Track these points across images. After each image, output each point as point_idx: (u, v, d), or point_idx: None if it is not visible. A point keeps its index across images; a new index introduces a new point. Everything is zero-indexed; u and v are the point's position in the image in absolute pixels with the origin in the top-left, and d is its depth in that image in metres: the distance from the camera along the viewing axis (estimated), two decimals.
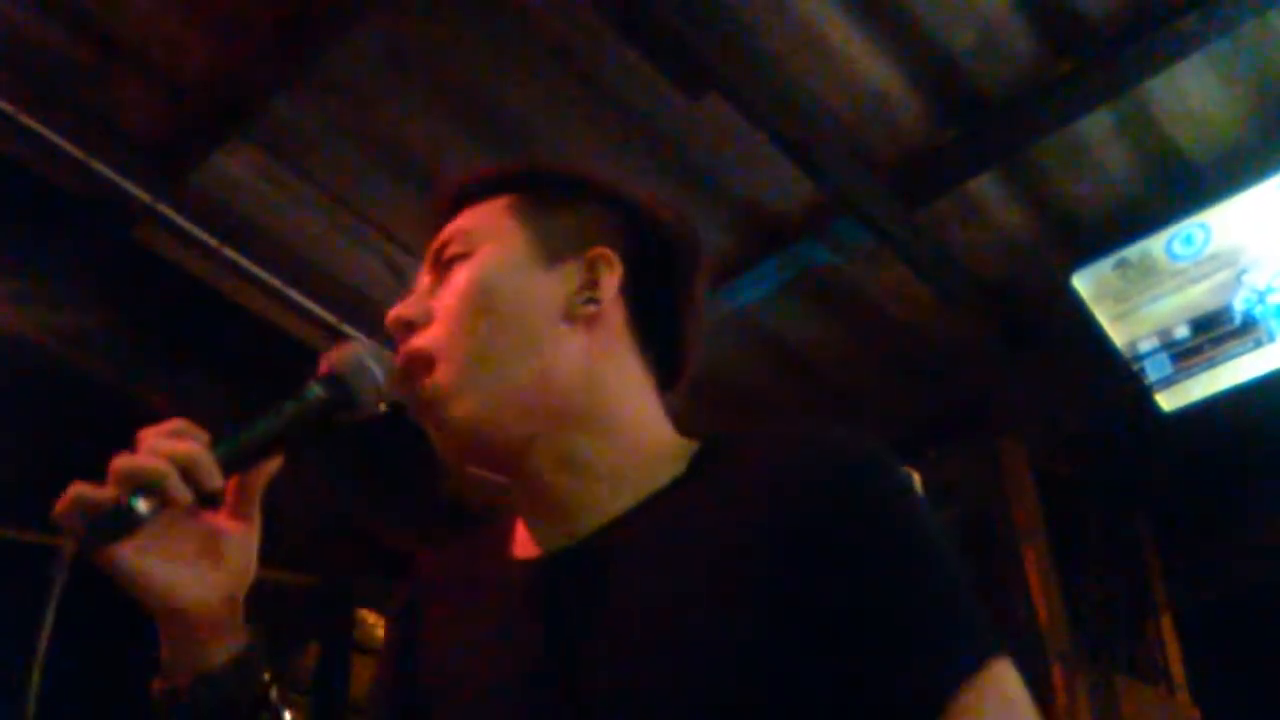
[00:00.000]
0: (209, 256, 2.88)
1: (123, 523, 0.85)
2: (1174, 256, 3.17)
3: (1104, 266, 3.22)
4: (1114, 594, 3.93)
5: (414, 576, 1.14)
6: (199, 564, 0.91)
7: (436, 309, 1.02)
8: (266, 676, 0.93)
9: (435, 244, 1.08)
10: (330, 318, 3.05)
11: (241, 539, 0.94)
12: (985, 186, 3.13)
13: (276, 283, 2.98)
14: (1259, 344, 3.17)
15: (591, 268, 1.04)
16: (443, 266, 1.06)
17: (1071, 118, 2.92)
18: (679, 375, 1.09)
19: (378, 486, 3.58)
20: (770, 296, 3.33)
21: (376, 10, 2.54)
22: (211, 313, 3.01)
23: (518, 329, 1.00)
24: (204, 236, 2.86)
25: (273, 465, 0.94)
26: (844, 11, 2.67)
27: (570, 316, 1.02)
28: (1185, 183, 3.14)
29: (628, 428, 1.02)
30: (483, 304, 1.00)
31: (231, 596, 0.93)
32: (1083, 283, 3.24)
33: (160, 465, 0.85)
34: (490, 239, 1.04)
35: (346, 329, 3.06)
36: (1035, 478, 3.70)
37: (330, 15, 2.55)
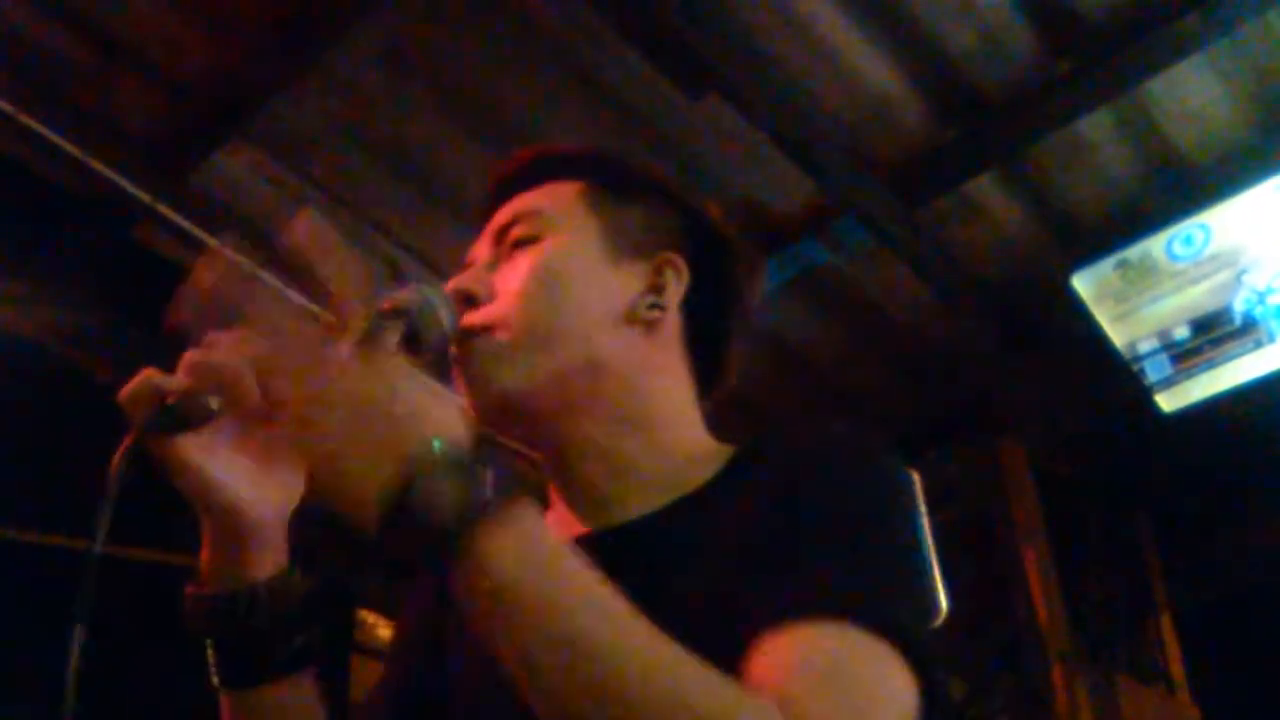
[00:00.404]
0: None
1: (193, 414, 0.83)
2: (1174, 257, 3.17)
3: (1104, 267, 3.22)
4: (1114, 594, 3.93)
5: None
6: (256, 471, 0.89)
7: (499, 288, 1.01)
8: (307, 608, 0.91)
9: (501, 219, 1.06)
10: (330, 318, 3.05)
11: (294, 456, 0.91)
12: (985, 186, 3.13)
13: (276, 283, 2.98)
14: (1259, 345, 3.17)
15: (659, 272, 1.05)
16: (509, 245, 1.04)
17: (1071, 118, 2.92)
18: (720, 385, 1.09)
19: None
20: (770, 296, 3.33)
21: (376, 10, 2.54)
22: None
23: (578, 319, 1.00)
24: (204, 236, 2.86)
25: None
26: (844, 12, 2.67)
27: (632, 319, 1.02)
28: (1185, 183, 3.14)
29: (669, 432, 1.02)
30: (548, 292, 1.00)
31: (281, 512, 0.92)
32: (1083, 283, 3.24)
33: (236, 364, 0.83)
34: (562, 227, 1.03)
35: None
36: (1035, 478, 3.71)
37: (330, 15, 2.55)
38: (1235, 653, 3.99)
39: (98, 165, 2.68)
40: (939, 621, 0.97)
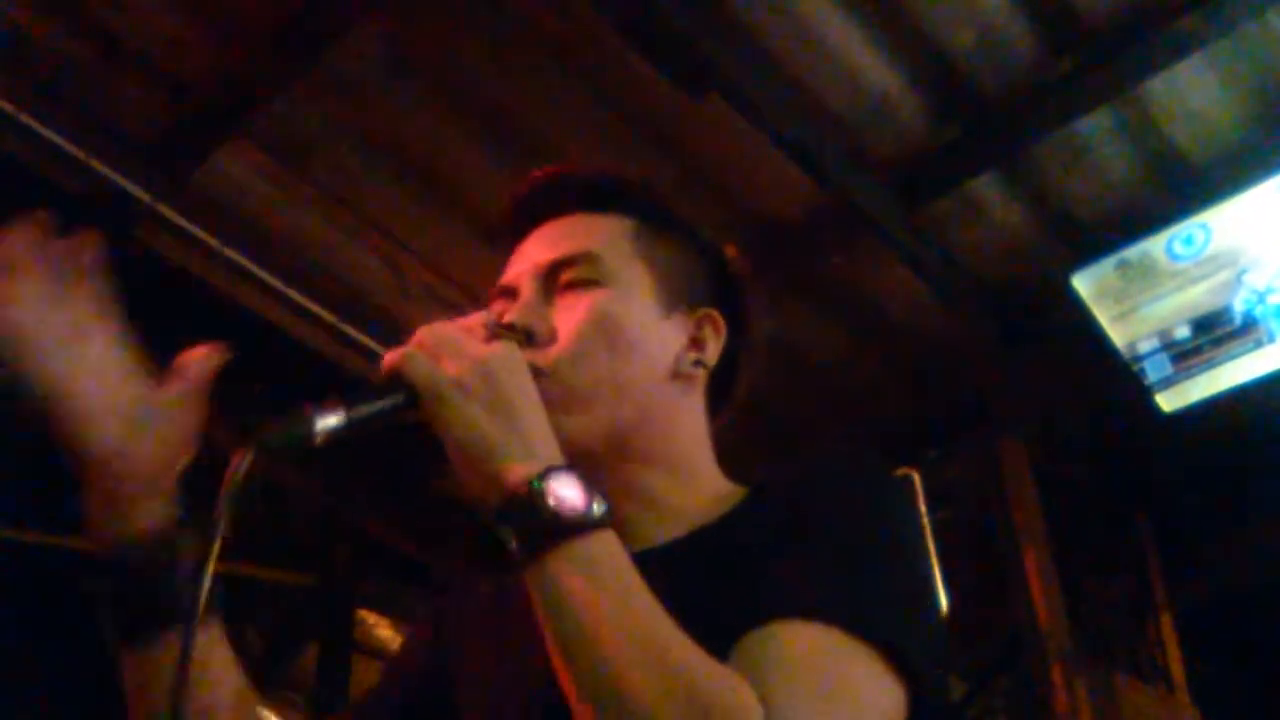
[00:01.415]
0: (209, 256, 2.88)
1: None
2: (1174, 257, 3.17)
3: (1104, 266, 3.22)
4: (1114, 594, 3.93)
5: (451, 591, 1.19)
6: (136, 422, 0.90)
7: (559, 329, 1.03)
8: (200, 568, 0.85)
9: (552, 255, 1.07)
10: (330, 317, 3.05)
11: (180, 414, 0.93)
12: (985, 186, 3.13)
13: (277, 283, 2.98)
14: (1259, 344, 3.17)
15: (699, 327, 1.09)
16: (560, 285, 1.06)
17: (1071, 118, 2.92)
18: (720, 420, 1.14)
19: (378, 486, 3.58)
20: (770, 297, 3.33)
21: (376, 10, 2.54)
22: (211, 313, 3.01)
23: (632, 376, 1.04)
24: (204, 236, 2.86)
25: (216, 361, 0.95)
26: (844, 12, 2.67)
27: (676, 374, 1.07)
28: (1185, 183, 3.14)
29: (696, 473, 1.08)
30: (611, 344, 1.03)
31: (165, 464, 0.92)
32: (1083, 283, 3.24)
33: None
34: (620, 278, 1.06)
35: (346, 329, 3.06)
36: (1035, 478, 3.70)
37: (330, 15, 2.55)
38: (1235, 653, 4.00)
39: (98, 165, 2.68)
40: (938, 624, 0.98)
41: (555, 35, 2.66)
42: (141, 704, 0.94)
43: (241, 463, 0.81)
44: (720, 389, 1.13)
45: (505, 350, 0.90)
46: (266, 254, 2.98)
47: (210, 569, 0.80)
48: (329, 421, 0.84)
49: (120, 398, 0.91)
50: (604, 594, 0.81)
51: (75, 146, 2.66)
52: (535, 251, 1.08)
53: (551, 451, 0.88)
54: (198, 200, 2.85)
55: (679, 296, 1.08)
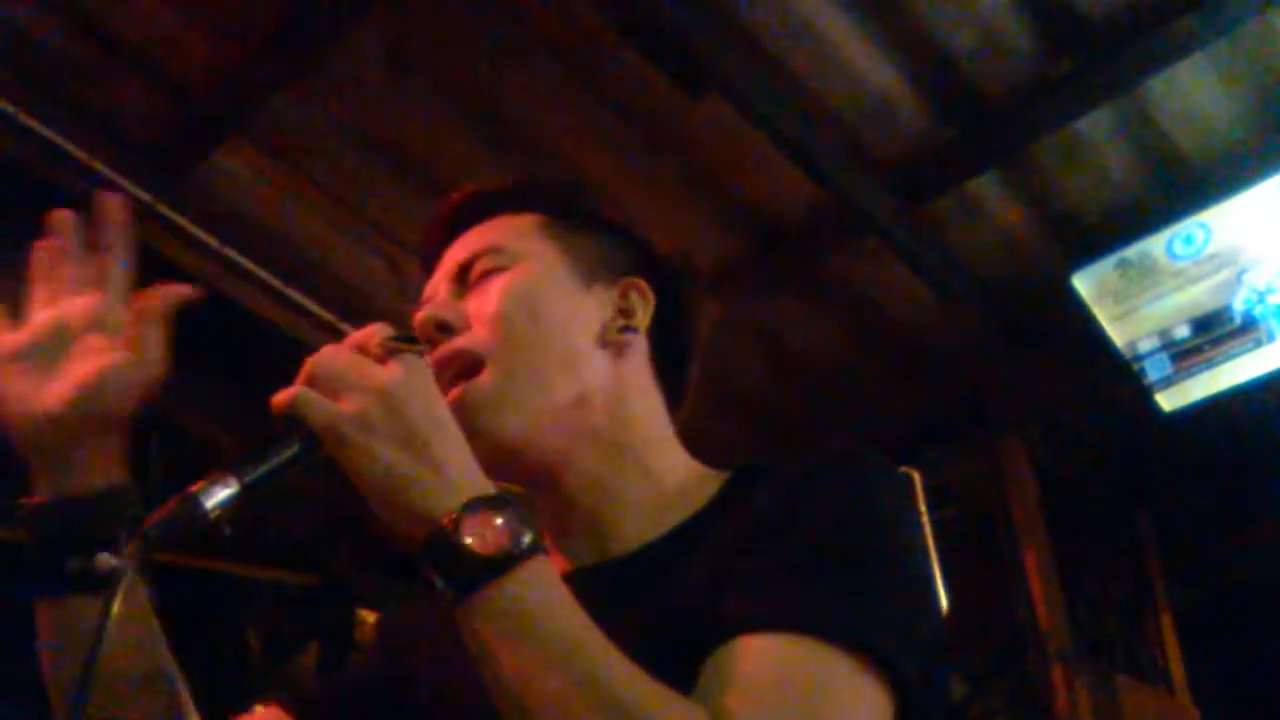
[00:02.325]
0: (209, 256, 2.88)
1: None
2: (1174, 256, 3.17)
3: (1104, 266, 3.22)
4: (1114, 594, 3.93)
5: (405, 602, 1.17)
6: (74, 382, 0.88)
7: (474, 315, 1.02)
8: (138, 531, 0.80)
9: (458, 256, 1.07)
10: (330, 317, 3.06)
11: (126, 370, 0.90)
12: (985, 186, 3.13)
13: (276, 283, 2.98)
14: (1259, 344, 3.16)
15: (624, 295, 1.07)
16: (474, 279, 1.05)
17: (1071, 118, 2.92)
18: (679, 407, 1.11)
19: None
20: (770, 297, 3.33)
21: (376, 10, 2.54)
22: (211, 313, 3.01)
23: (562, 343, 1.02)
24: (204, 236, 2.86)
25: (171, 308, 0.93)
26: (844, 11, 2.67)
27: (604, 341, 1.04)
28: (1185, 183, 3.14)
29: (655, 456, 1.05)
30: (530, 312, 1.01)
31: (101, 421, 0.90)
32: (1083, 283, 3.24)
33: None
34: (527, 255, 1.05)
35: (345, 328, 3.05)
36: (1035, 477, 3.70)
37: (330, 15, 2.55)
38: (1235, 652, 3.99)
39: (98, 165, 2.68)
40: (933, 624, 0.94)
41: (555, 35, 2.66)
42: (53, 660, 0.92)
43: (132, 556, 0.77)
44: (672, 376, 1.10)
45: (406, 371, 0.84)
46: (266, 254, 2.98)
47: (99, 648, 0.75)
48: (219, 496, 0.79)
49: (74, 367, 0.89)
50: (528, 640, 0.78)
51: (75, 146, 2.66)
52: (448, 258, 1.09)
53: (471, 479, 0.83)
54: (198, 200, 2.86)
55: (598, 269, 1.06)
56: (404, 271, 3.10)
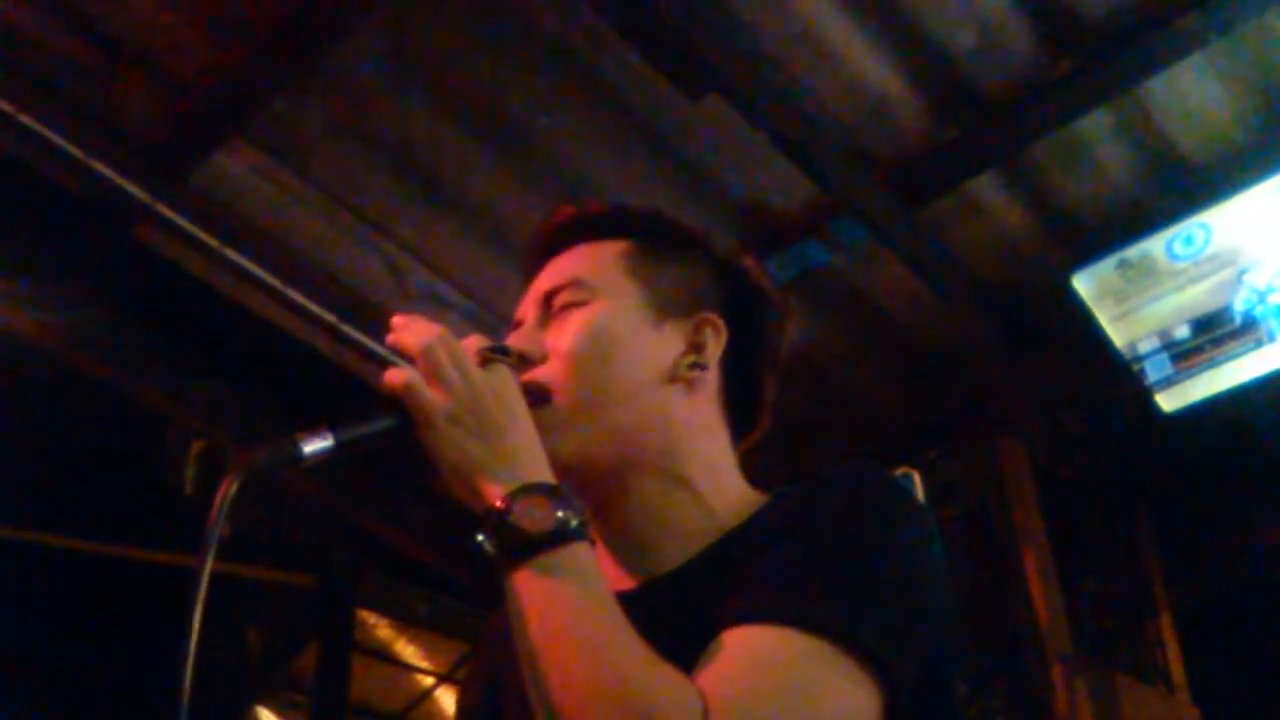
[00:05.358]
0: (209, 256, 2.88)
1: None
2: (1174, 256, 3.17)
3: (1104, 266, 3.22)
4: (1114, 594, 3.93)
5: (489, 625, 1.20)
6: None
7: (551, 349, 1.08)
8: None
9: (545, 284, 1.13)
10: (330, 317, 3.06)
11: None
12: (985, 186, 3.13)
13: (276, 283, 2.98)
14: (1259, 344, 3.16)
15: (698, 330, 1.11)
16: (556, 309, 1.11)
17: (1071, 118, 2.92)
18: (753, 433, 1.16)
19: (378, 486, 3.58)
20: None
21: (376, 10, 2.54)
22: (211, 313, 3.01)
23: (627, 380, 1.07)
24: (204, 236, 2.86)
25: None
26: (844, 11, 2.67)
27: (675, 378, 1.09)
28: (1185, 183, 3.14)
29: (709, 486, 1.09)
30: (599, 354, 1.07)
31: None
32: (1083, 283, 3.24)
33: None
34: (607, 293, 1.10)
35: (346, 329, 3.06)
36: (1035, 477, 3.70)
37: (330, 15, 2.55)
38: (1235, 653, 4.00)
39: (98, 165, 2.68)
40: (932, 624, 0.96)
41: (555, 35, 2.66)
42: None
43: (230, 487, 0.84)
44: (743, 398, 1.15)
45: (496, 375, 0.94)
46: (266, 254, 2.98)
47: (205, 579, 0.82)
48: (316, 446, 0.88)
49: None
50: (558, 607, 0.86)
51: (75, 146, 2.66)
52: (538, 284, 1.14)
53: (535, 469, 0.92)
54: (198, 200, 2.85)
55: (674, 305, 1.11)
56: (404, 271, 3.10)
